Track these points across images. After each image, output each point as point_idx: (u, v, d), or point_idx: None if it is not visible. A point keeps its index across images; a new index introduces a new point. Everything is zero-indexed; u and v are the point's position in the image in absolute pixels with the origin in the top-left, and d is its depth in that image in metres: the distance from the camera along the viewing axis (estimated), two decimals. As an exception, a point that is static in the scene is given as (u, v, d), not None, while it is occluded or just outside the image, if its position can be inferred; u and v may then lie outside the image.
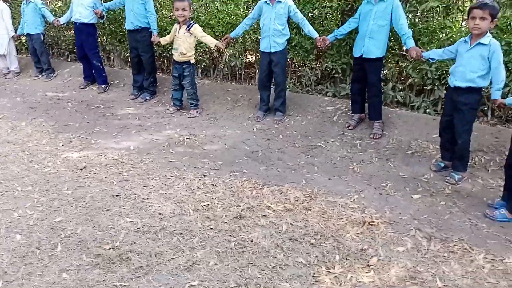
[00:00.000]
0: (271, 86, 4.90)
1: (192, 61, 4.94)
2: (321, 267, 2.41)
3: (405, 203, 3.18)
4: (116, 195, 3.17)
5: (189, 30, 4.75)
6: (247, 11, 5.43)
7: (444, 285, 2.29)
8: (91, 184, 3.35)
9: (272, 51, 4.57)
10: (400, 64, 4.66)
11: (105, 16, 5.84)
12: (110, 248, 2.54)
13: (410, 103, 4.66)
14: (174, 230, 2.74)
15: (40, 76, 6.54)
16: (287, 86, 5.05)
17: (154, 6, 5.32)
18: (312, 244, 2.62)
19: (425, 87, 4.54)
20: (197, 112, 5.06)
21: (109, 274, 2.32)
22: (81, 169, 3.61)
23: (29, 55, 6.78)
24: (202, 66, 5.89)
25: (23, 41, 7.23)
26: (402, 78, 4.85)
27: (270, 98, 4.90)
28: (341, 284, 2.28)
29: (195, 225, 2.81)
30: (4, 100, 5.67)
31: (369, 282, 2.31)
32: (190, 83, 4.96)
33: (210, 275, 2.32)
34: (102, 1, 5.82)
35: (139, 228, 2.76)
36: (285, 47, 4.65)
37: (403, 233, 2.78)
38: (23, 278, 2.27)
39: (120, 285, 2.23)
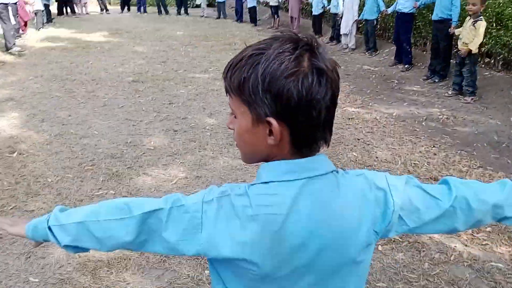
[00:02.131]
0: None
1: (474, 51, 5.30)
2: None
3: None
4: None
5: (474, 24, 5.14)
6: None
7: None
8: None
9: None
10: None
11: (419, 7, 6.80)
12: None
13: None
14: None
15: (367, 52, 8.24)
16: None
17: (461, -1, 5.87)
18: None
19: None
20: (471, 99, 5.44)
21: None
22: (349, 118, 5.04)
23: (362, 35, 8.55)
24: (501, 58, 5.97)
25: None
26: None
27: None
28: None
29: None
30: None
31: None
32: (469, 71, 5.37)
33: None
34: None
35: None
36: None
37: None
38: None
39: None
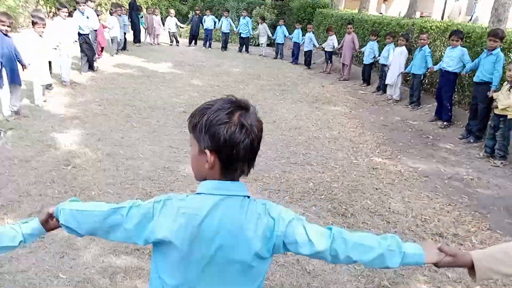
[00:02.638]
0: None
1: (510, 116, 5.37)
2: None
3: None
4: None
5: (510, 89, 5.25)
6: None
7: None
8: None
9: None
10: None
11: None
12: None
13: None
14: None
15: (409, 105, 8.41)
16: None
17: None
18: None
19: None
20: (501, 163, 5.47)
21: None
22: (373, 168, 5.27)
23: (409, 88, 8.73)
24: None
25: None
26: None
27: None
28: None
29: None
30: (370, 117, 7.95)
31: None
32: (502, 135, 5.45)
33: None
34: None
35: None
36: None
37: None
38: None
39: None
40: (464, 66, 6.88)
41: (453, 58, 6.98)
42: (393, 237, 1.34)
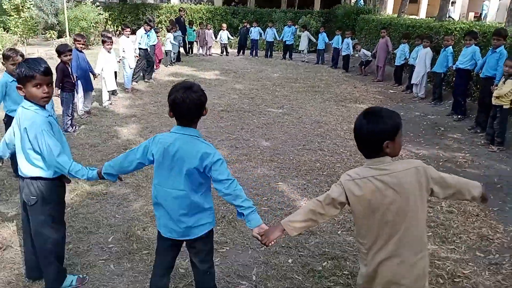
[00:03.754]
0: None
1: (506, 106, 5.94)
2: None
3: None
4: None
5: (504, 82, 5.84)
6: None
7: None
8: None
9: None
10: None
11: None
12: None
13: None
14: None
15: (432, 102, 9.00)
16: None
17: None
18: None
19: None
20: (498, 148, 6.05)
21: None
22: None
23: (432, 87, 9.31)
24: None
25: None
26: None
27: None
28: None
29: None
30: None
31: None
32: (499, 123, 6.05)
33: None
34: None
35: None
36: None
37: None
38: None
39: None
40: (476, 64, 7.44)
41: (466, 56, 7.56)
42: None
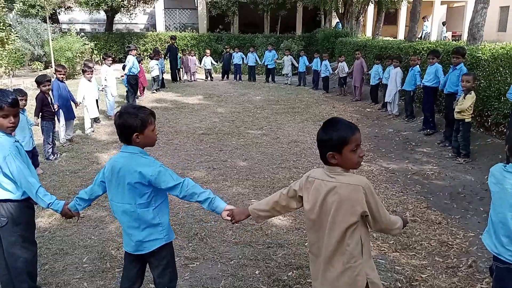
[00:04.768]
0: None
1: (467, 120, 6.26)
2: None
3: None
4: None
5: (464, 96, 6.19)
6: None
7: None
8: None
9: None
10: None
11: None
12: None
13: None
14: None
15: (406, 119, 9.35)
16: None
17: None
18: None
19: None
20: (464, 160, 6.33)
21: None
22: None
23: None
24: (501, 127, 6.74)
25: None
26: None
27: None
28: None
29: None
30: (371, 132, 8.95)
31: None
32: (462, 136, 6.35)
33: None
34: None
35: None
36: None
37: None
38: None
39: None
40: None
41: (430, 74, 7.94)
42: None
